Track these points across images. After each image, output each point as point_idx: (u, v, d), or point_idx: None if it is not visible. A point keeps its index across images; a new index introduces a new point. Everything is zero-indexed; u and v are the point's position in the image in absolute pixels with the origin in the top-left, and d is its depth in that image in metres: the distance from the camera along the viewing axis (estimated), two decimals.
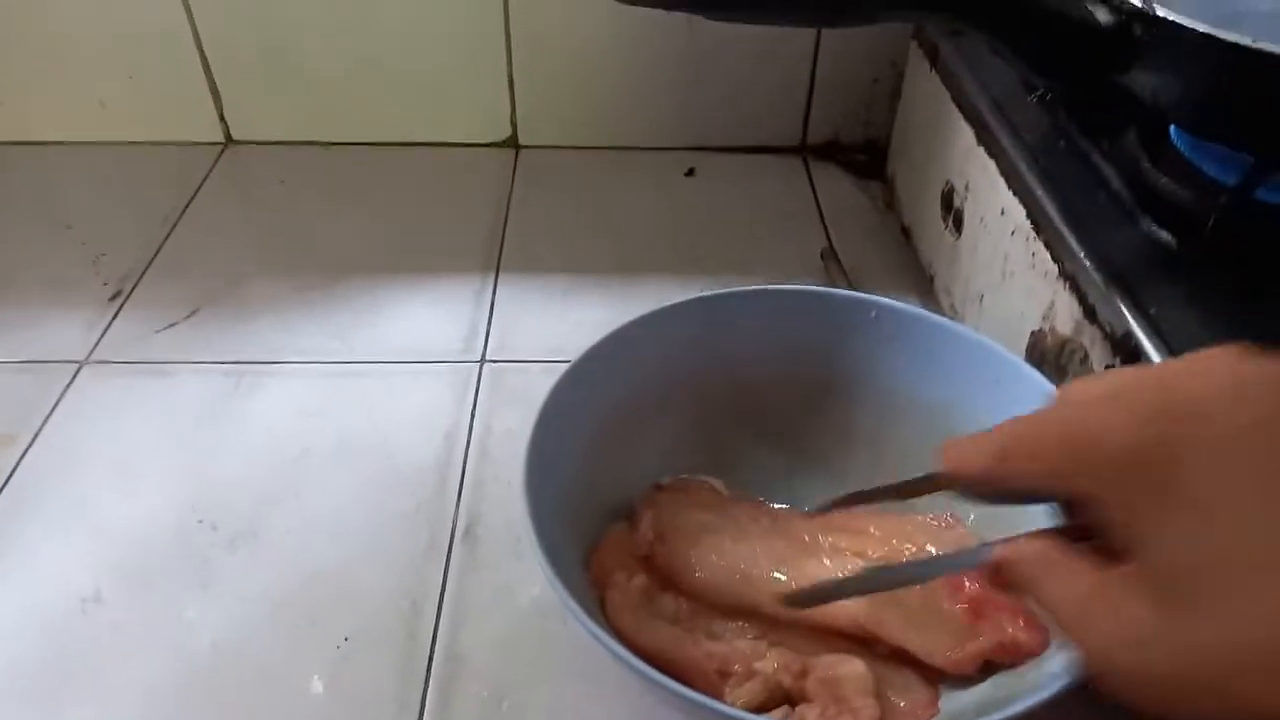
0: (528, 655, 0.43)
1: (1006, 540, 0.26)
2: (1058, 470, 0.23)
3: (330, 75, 0.74)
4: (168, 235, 0.67)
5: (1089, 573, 0.23)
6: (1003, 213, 0.50)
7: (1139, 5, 0.41)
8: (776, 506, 0.45)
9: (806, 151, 0.79)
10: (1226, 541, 0.20)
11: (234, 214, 0.71)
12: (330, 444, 0.52)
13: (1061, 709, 0.31)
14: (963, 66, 0.59)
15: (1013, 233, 0.49)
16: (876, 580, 0.37)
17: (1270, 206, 0.43)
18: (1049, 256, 0.45)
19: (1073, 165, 0.49)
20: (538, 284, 0.64)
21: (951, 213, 0.58)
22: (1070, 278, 0.43)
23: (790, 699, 0.37)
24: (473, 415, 0.54)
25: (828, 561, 0.41)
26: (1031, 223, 0.47)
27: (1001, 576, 0.26)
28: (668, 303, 0.46)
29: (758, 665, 0.37)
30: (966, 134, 0.56)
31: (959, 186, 0.57)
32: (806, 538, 0.42)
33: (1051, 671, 0.32)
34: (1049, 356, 0.44)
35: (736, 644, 0.39)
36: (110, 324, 0.60)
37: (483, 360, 0.58)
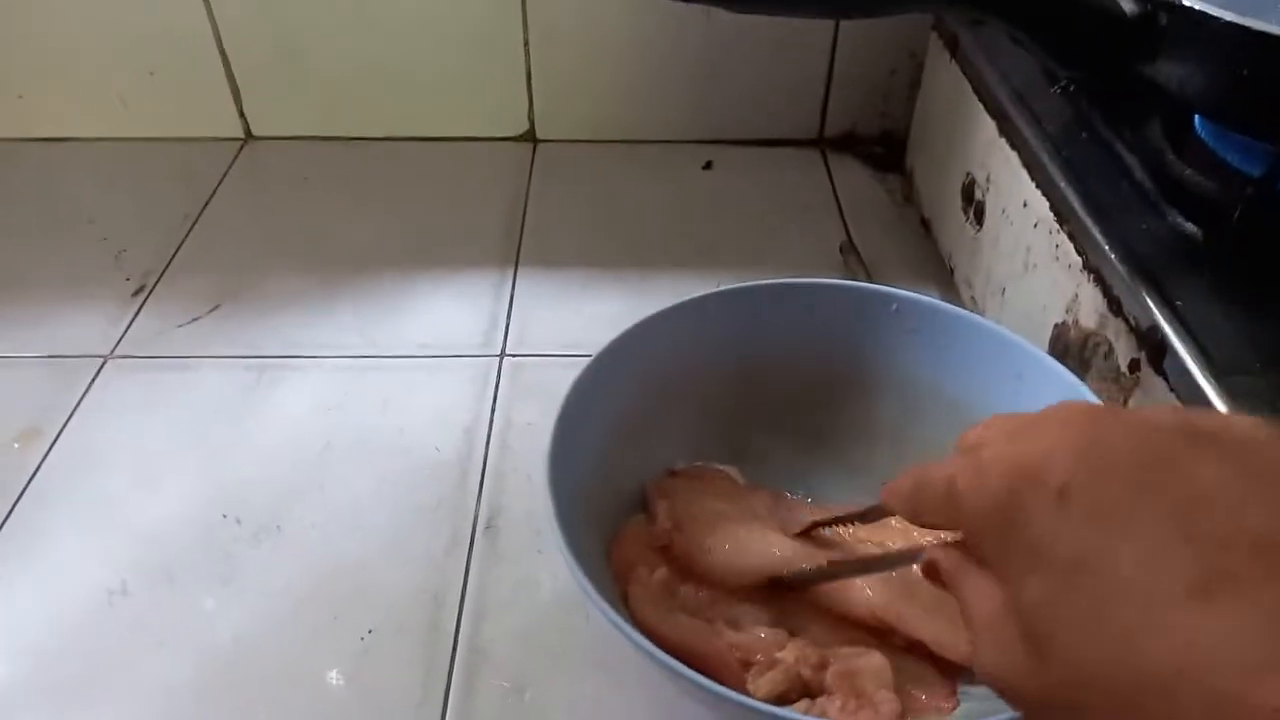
0: (549, 648, 0.43)
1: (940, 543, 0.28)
2: (945, 520, 0.27)
3: (349, 71, 0.74)
4: (189, 231, 0.68)
5: (989, 589, 0.25)
6: (1025, 205, 0.50)
7: None
8: (792, 498, 0.45)
9: (824, 144, 0.78)
10: (1045, 599, 0.22)
11: (254, 209, 0.71)
12: (351, 438, 0.53)
13: None
14: (983, 57, 0.58)
15: (1035, 225, 0.49)
16: (865, 565, 0.39)
17: None
18: (1073, 249, 0.45)
19: (1096, 156, 0.48)
20: (556, 278, 0.64)
21: (973, 205, 0.58)
22: (1094, 270, 0.43)
23: (810, 691, 0.37)
24: (493, 409, 0.54)
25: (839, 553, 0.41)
26: (1055, 214, 0.47)
27: (932, 574, 0.28)
28: (686, 297, 0.46)
29: (778, 655, 0.37)
30: (988, 125, 0.55)
31: (980, 178, 0.57)
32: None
33: None
34: (1073, 350, 0.44)
35: (758, 633, 0.39)
36: (133, 319, 0.60)
37: (502, 354, 0.58)
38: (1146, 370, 0.39)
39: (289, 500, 0.49)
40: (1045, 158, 0.49)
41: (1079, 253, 0.44)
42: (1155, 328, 0.38)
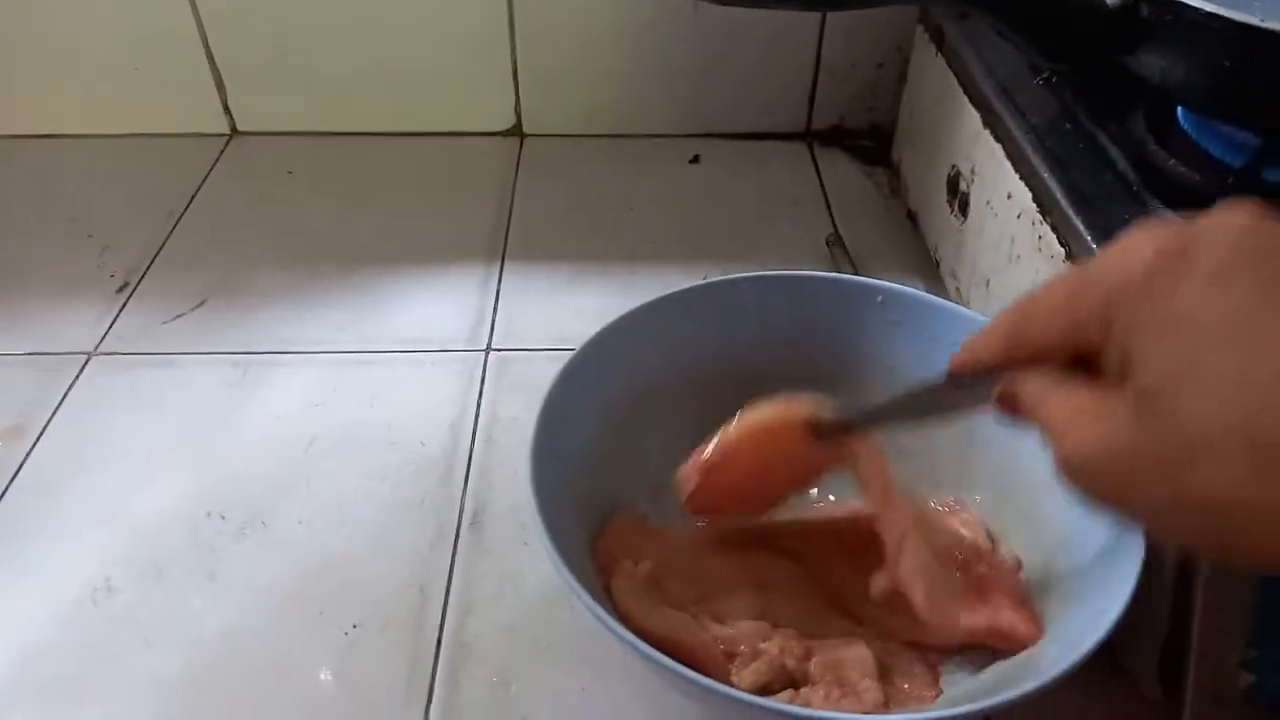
0: (535, 641, 0.43)
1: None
2: (1068, 312, 0.26)
3: (335, 65, 0.74)
4: (174, 227, 0.68)
5: (1085, 393, 0.25)
6: (1009, 196, 0.50)
7: None
8: None
9: (812, 137, 0.78)
10: (1196, 354, 0.22)
11: (240, 205, 0.71)
12: (337, 434, 0.53)
13: (1060, 696, 0.31)
14: (968, 50, 0.58)
15: (1019, 216, 0.49)
16: (905, 407, 0.36)
17: (1278, 187, 0.42)
18: (1055, 240, 0.45)
19: (1079, 148, 0.48)
20: (543, 272, 0.64)
21: (957, 197, 0.58)
22: (1078, 261, 0.43)
23: (794, 681, 0.37)
24: (479, 404, 0.54)
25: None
26: (1038, 206, 0.47)
27: (1011, 402, 0.28)
28: (672, 290, 0.46)
29: (762, 646, 0.38)
30: (973, 118, 0.56)
31: (965, 170, 0.57)
32: None
33: (1050, 660, 0.32)
34: None
35: (742, 626, 0.39)
36: (118, 316, 0.60)
37: (488, 349, 0.58)
38: None
39: (275, 496, 0.49)
40: (1029, 149, 0.49)
41: (1062, 244, 0.44)
42: None
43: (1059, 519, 0.40)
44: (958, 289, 0.59)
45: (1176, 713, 0.35)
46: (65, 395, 0.55)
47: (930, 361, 0.44)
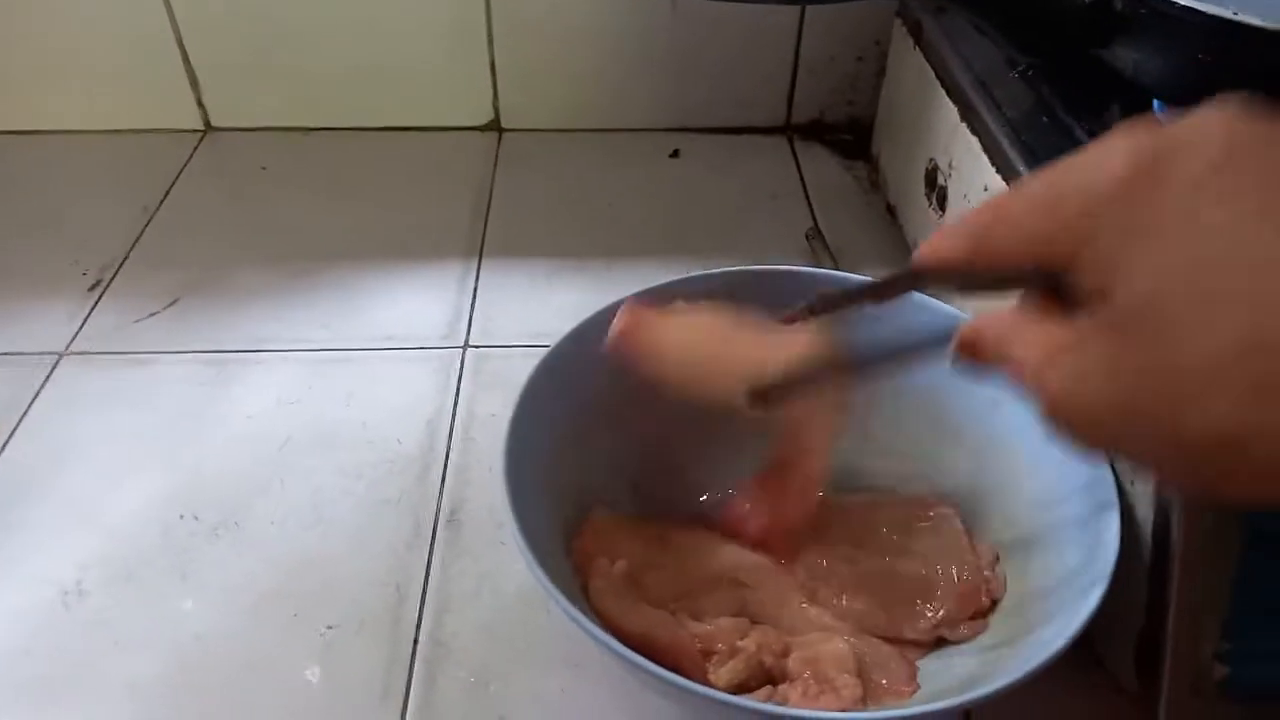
0: (513, 641, 0.43)
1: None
2: (1035, 232, 0.23)
3: (310, 60, 0.73)
4: (147, 224, 0.67)
5: (1055, 330, 0.23)
6: (986, 189, 0.50)
7: None
8: None
9: (791, 131, 0.78)
10: (1190, 270, 0.20)
11: (214, 201, 0.70)
12: (313, 432, 0.52)
13: (1038, 689, 0.31)
14: (946, 44, 0.58)
15: None
16: (848, 357, 0.33)
17: None
18: None
19: (1056, 141, 0.48)
20: (521, 268, 0.64)
21: (935, 190, 0.58)
22: None
23: (772, 678, 0.37)
24: (456, 401, 0.54)
25: None
26: None
27: (971, 348, 0.26)
28: (651, 284, 0.46)
29: (740, 644, 0.37)
30: (950, 111, 0.56)
31: (943, 164, 0.57)
32: None
33: (1026, 654, 0.32)
34: None
35: (720, 623, 0.39)
36: (89, 314, 0.59)
37: (466, 345, 0.58)
38: None
39: (249, 496, 0.49)
40: (1006, 143, 0.49)
41: None
42: None
43: (1035, 508, 0.40)
44: None
45: (1153, 704, 0.35)
46: (36, 395, 0.54)
47: None
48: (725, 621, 0.38)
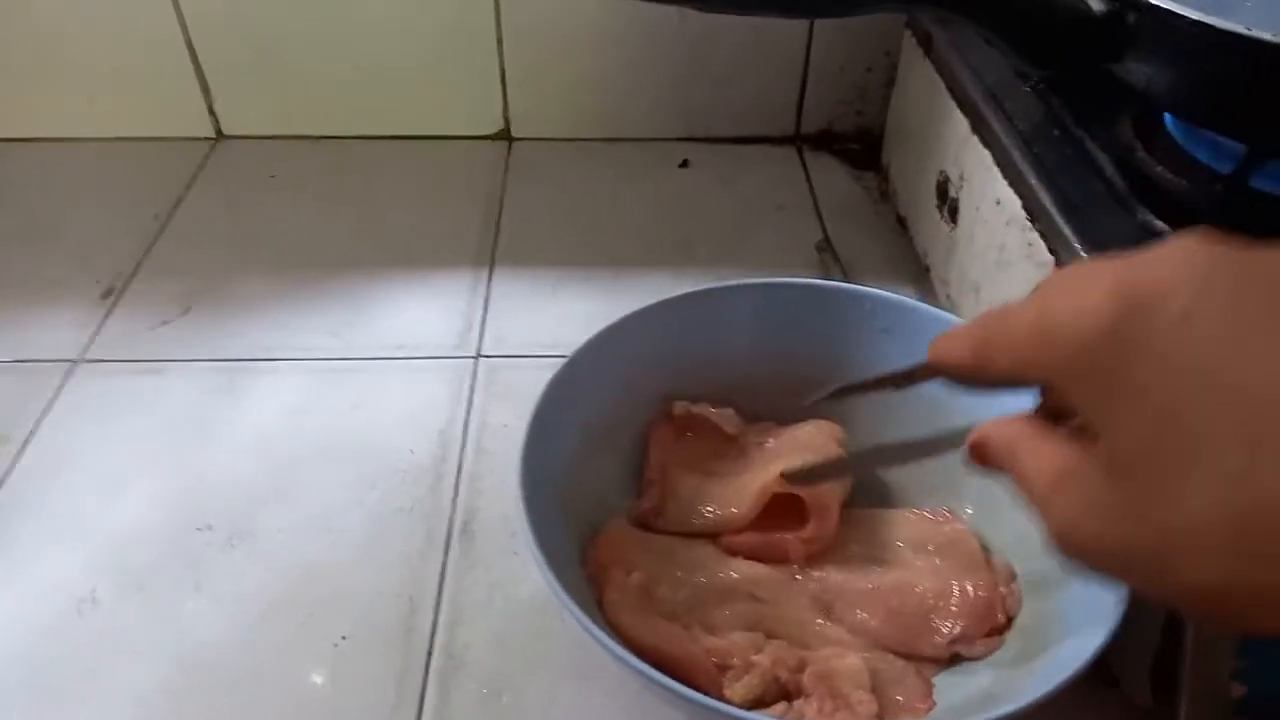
0: (526, 651, 0.43)
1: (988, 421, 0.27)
2: (1028, 360, 0.24)
3: (321, 68, 0.73)
4: (159, 232, 0.67)
5: (1060, 451, 0.24)
6: (998, 202, 0.50)
7: None
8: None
9: (801, 141, 0.78)
10: (1169, 426, 0.20)
11: (226, 210, 0.70)
12: (324, 442, 0.52)
13: (1055, 707, 0.31)
14: (957, 55, 0.58)
15: (1008, 223, 0.49)
16: (873, 457, 0.37)
17: (1265, 194, 0.43)
18: (1044, 246, 0.45)
19: (1067, 154, 0.48)
20: (532, 278, 0.64)
21: (946, 202, 0.58)
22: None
23: (787, 693, 0.37)
24: (468, 411, 0.54)
25: None
26: (1026, 212, 0.47)
27: (981, 452, 0.27)
28: (662, 296, 0.46)
29: (755, 659, 0.37)
30: (961, 123, 0.56)
31: (954, 176, 0.57)
32: None
33: (1045, 673, 0.32)
34: None
35: (734, 638, 0.39)
36: (102, 323, 0.60)
37: (478, 355, 0.58)
38: None
39: (261, 504, 0.49)
40: (1017, 155, 0.49)
41: (1051, 250, 0.45)
42: None
43: None
44: (948, 295, 0.59)
45: None
46: (50, 404, 0.54)
47: None
48: (739, 636, 0.38)
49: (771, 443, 0.45)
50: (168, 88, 0.73)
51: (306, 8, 0.70)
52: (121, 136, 0.75)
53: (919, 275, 0.64)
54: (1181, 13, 0.39)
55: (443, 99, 0.76)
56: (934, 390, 0.30)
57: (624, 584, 0.39)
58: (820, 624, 0.39)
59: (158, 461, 0.51)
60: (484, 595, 0.45)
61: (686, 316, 0.46)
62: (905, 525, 0.43)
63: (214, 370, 0.56)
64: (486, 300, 0.62)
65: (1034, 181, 0.47)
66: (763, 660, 0.37)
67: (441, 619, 0.44)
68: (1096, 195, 0.45)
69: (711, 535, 0.43)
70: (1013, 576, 0.40)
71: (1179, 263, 0.21)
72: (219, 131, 0.77)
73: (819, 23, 0.73)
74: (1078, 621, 0.34)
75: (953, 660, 0.39)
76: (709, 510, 0.44)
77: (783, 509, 0.42)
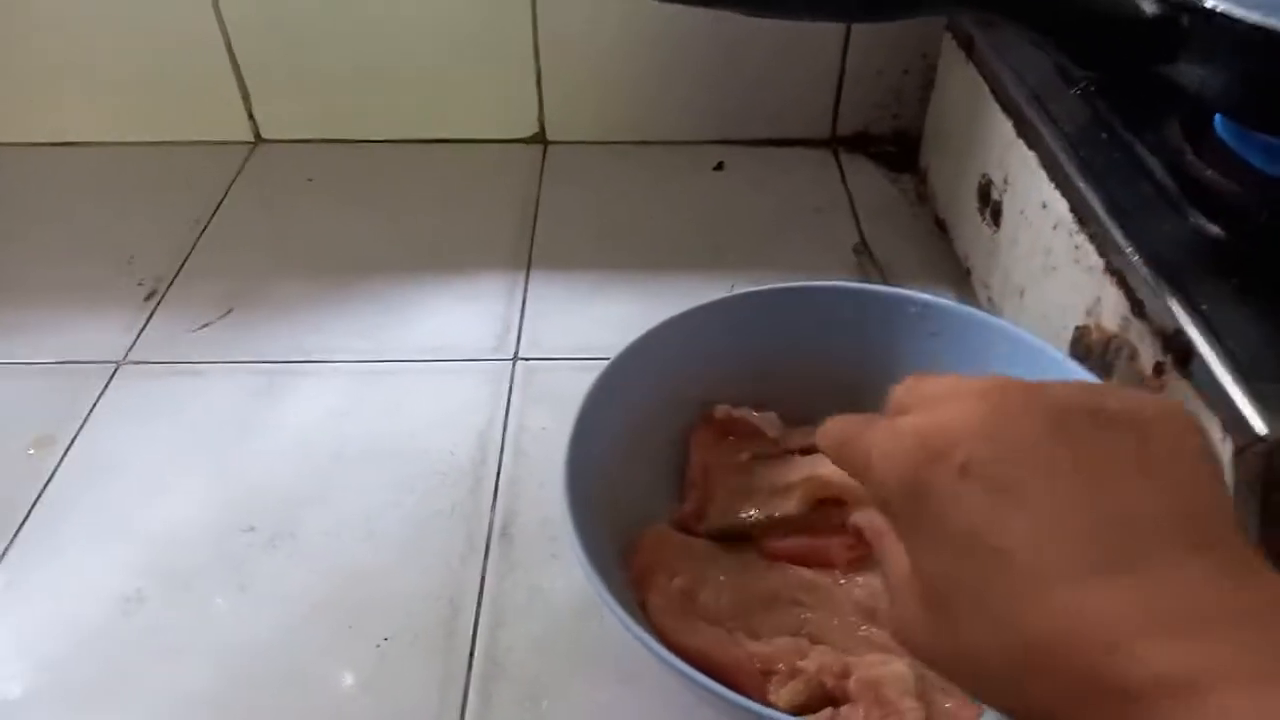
0: (566, 655, 0.43)
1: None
2: (865, 481, 0.26)
3: (359, 73, 0.74)
4: (200, 235, 0.68)
5: (904, 557, 0.25)
6: (1044, 206, 0.49)
7: None
8: None
9: (836, 144, 0.78)
10: (948, 574, 0.23)
11: (265, 213, 0.71)
12: (365, 444, 0.52)
13: None
14: (999, 57, 0.58)
15: (1055, 226, 0.48)
16: None
17: None
18: (1094, 250, 0.44)
19: (1115, 157, 0.48)
20: (568, 281, 0.64)
21: (989, 206, 0.58)
22: (1117, 272, 0.42)
23: (833, 700, 0.37)
24: (506, 414, 0.54)
25: None
26: (1074, 216, 0.46)
27: (858, 531, 0.30)
28: (699, 300, 0.46)
29: (800, 664, 0.37)
30: (1005, 126, 0.55)
31: (997, 179, 0.56)
32: None
33: None
34: (1094, 353, 0.44)
35: (779, 643, 0.38)
36: (145, 325, 0.60)
37: (515, 358, 0.58)
38: (1172, 373, 0.38)
39: (303, 506, 0.49)
40: (1064, 158, 0.48)
41: (1100, 255, 0.44)
42: (1180, 331, 0.38)
43: None
44: (990, 299, 0.58)
45: None
46: (94, 405, 0.55)
47: (967, 374, 0.44)
48: (784, 641, 0.38)
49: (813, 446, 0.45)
50: (209, 93, 0.74)
51: (344, 14, 0.71)
52: (162, 140, 0.76)
53: (959, 278, 0.63)
54: (1238, 16, 0.38)
55: (478, 103, 0.76)
56: None
57: (667, 588, 0.39)
58: (865, 630, 0.39)
59: (200, 462, 0.52)
60: (524, 599, 0.45)
61: (725, 320, 0.46)
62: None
63: (254, 372, 0.57)
64: (523, 303, 0.62)
65: (1082, 185, 0.46)
66: (808, 666, 0.36)
67: (482, 622, 0.44)
68: (1146, 199, 0.45)
69: (754, 539, 0.43)
70: None
71: (966, 411, 0.24)
72: (258, 135, 0.77)
73: (856, 27, 0.72)
74: None
75: None
76: (751, 513, 0.43)
77: (825, 513, 0.42)
